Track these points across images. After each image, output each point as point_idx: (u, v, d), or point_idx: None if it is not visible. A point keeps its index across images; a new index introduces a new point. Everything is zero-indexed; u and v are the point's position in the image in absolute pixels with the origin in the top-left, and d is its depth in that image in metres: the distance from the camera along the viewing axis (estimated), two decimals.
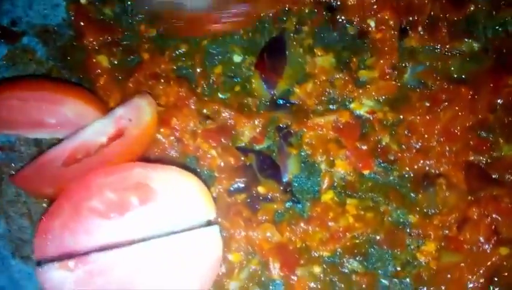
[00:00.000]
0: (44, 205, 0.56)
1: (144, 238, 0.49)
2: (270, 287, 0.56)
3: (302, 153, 0.61)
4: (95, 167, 0.51)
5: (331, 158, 0.61)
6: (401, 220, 0.58)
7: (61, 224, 0.48)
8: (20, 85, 0.56)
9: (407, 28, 0.64)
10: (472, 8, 0.66)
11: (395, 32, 0.63)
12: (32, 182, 0.53)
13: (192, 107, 0.62)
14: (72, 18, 0.66)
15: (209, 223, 0.52)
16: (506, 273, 0.52)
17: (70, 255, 0.48)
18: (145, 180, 0.49)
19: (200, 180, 0.53)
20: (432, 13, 0.65)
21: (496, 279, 0.53)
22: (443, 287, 0.54)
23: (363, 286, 0.56)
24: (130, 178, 0.49)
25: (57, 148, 0.53)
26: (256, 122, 0.62)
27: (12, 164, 0.58)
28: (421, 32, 0.64)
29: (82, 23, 0.67)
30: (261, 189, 0.60)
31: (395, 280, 0.56)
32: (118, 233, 0.49)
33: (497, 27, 0.65)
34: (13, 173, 0.57)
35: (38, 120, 0.55)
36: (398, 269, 0.57)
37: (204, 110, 0.62)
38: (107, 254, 0.48)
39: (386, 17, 0.64)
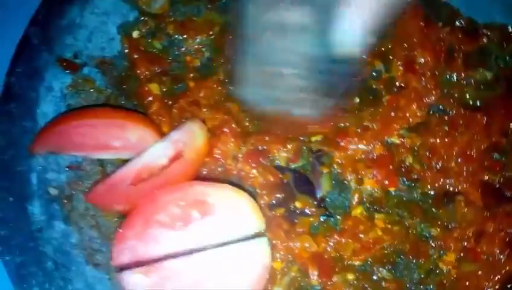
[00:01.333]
0: (110, 217, 0.63)
1: (204, 247, 0.56)
2: None
3: (334, 172, 0.68)
4: (159, 186, 0.58)
5: (360, 177, 0.67)
6: (424, 233, 0.64)
7: (135, 235, 0.55)
8: (89, 113, 0.63)
9: None
10: (485, 41, 0.72)
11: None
12: (105, 200, 0.60)
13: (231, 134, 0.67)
14: (126, 50, 0.73)
15: (257, 235, 0.59)
16: None
17: (143, 263, 0.55)
18: (203, 197, 0.56)
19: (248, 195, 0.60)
20: (449, 45, 0.72)
21: (509, 286, 0.60)
22: None
23: None
24: (191, 195, 0.57)
25: (124, 169, 0.60)
26: (289, 147, 0.68)
27: (80, 182, 0.64)
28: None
29: (135, 55, 0.74)
30: (298, 204, 0.66)
31: (420, 286, 0.62)
32: (182, 243, 0.56)
33: (507, 58, 0.72)
34: (81, 189, 0.64)
35: (105, 144, 0.62)
36: (423, 276, 0.62)
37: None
38: (175, 261, 0.55)
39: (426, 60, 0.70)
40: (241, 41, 0.53)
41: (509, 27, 0.72)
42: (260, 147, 0.68)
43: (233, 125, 0.68)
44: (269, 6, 0.47)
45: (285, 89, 0.53)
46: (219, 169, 0.67)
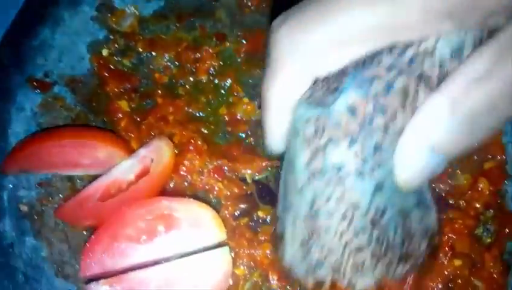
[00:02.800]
0: (79, 231, 0.66)
1: (169, 258, 0.60)
2: None
3: None
4: (127, 201, 0.61)
5: None
6: None
7: (102, 248, 0.58)
8: (59, 134, 0.65)
9: None
10: None
11: None
12: (73, 216, 0.62)
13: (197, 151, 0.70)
14: (96, 69, 0.76)
15: (219, 244, 0.63)
16: (459, 280, 0.65)
17: (110, 274, 0.58)
18: (169, 211, 0.60)
19: (212, 209, 0.64)
20: None
21: (450, 285, 0.65)
22: None
23: None
24: (158, 210, 0.60)
25: (92, 186, 0.63)
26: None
27: (50, 198, 0.66)
28: None
29: (105, 73, 0.76)
30: (260, 213, 0.70)
31: None
32: (148, 255, 0.60)
33: None
34: (51, 205, 0.67)
35: (75, 162, 0.65)
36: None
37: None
38: (140, 272, 0.58)
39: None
40: (288, 189, 0.41)
41: None
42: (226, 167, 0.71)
43: (199, 142, 0.72)
44: (310, 145, 0.36)
45: (336, 249, 0.40)
46: (185, 183, 0.70)
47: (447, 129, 0.32)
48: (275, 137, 0.40)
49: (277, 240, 0.48)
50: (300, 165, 0.37)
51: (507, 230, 0.68)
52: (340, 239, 0.39)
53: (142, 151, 0.65)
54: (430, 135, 0.33)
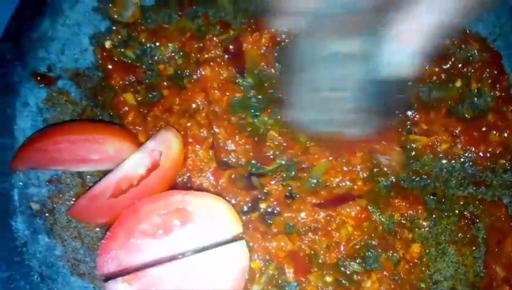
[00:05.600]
0: (92, 228, 0.65)
1: (186, 253, 0.59)
2: (286, 288, 0.66)
3: None
4: (139, 196, 0.60)
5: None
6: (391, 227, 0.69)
7: (118, 245, 0.57)
8: (68, 129, 0.64)
9: None
10: None
11: None
12: (86, 213, 0.62)
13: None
14: (99, 61, 0.74)
15: (235, 238, 0.62)
16: None
17: (127, 271, 0.58)
18: (183, 205, 0.59)
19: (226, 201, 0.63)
20: None
21: None
22: None
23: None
24: (171, 204, 0.59)
25: (103, 183, 0.62)
26: None
27: (61, 195, 0.66)
28: None
29: (109, 66, 0.75)
30: (262, 205, 0.68)
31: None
32: (164, 250, 0.59)
33: None
34: (62, 202, 0.66)
35: (84, 157, 0.64)
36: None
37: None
38: (158, 268, 0.58)
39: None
40: (295, 70, 0.55)
41: None
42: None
43: (204, 132, 0.69)
44: (320, 39, 0.49)
45: (337, 111, 0.56)
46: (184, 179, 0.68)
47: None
48: None
49: (289, 105, 0.60)
50: (308, 50, 0.51)
51: None
52: (339, 104, 0.54)
53: (151, 144, 0.64)
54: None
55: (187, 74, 0.75)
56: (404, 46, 0.45)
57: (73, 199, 0.65)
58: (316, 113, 0.58)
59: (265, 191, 0.69)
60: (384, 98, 0.54)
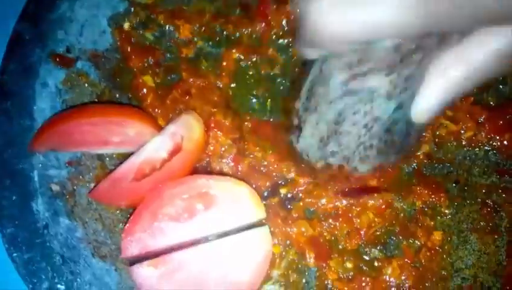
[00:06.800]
0: (112, 210, 0.65)
1: (209, 237, 0.59)
2: (306, 273, 0.65)
3: None
4: (161, 180, 0.60)
5: None
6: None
7: (142, 228, 0.57)
8: (88, 111, 0.63)
9: None
10: None
11: None
12: (109, 196, 0.61)
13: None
14: (118, 43, 0.73)
15: (258, 223, 0.62)
16: None
17: (151, 255, 0.57)
18: (206, 189, 0.59)
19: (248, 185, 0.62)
20: None
21: None
22: None
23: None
24: (195, 188, 0.58)
25: (125, 166, 0.61)
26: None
27: (81, 177, 0.65)
28: None
29: (127, 48, 0.74)
30: (283, 190, 0.68)
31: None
32: (188, 234, 0.58)
33: None
34: (82, 184, 0.66)
35: (105, 140, 0.63)
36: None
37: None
38: (181, 253, 0.57)
39: None
40: (316, 98, 0.52)
41: None
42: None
43: (223, 119, 0.69)
44: (350, 70, 0.46)
45: (352, 146, 0.53)
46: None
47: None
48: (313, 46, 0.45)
49: (292, 129, 0.58)
50: (336, 82, 0.47)
51: None
52: (357, 140, 0.52)
53: (172, 128, 0.63)
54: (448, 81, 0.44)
55: (208, 56, 0.74)
56: (434, 96, 0.45)
57: (94, 181, 0.65)
58: (329, 146, 0.55)
59: (287, 177, 0.68)
60: (401, 138, 0.52)
